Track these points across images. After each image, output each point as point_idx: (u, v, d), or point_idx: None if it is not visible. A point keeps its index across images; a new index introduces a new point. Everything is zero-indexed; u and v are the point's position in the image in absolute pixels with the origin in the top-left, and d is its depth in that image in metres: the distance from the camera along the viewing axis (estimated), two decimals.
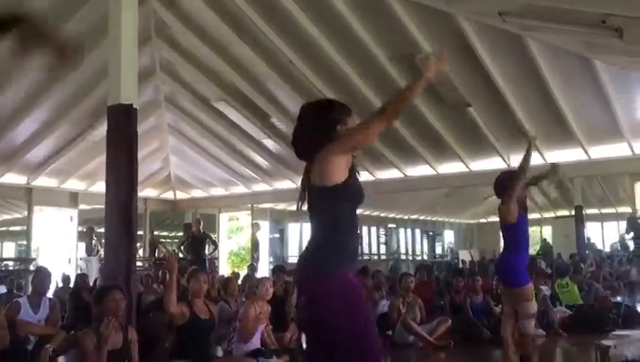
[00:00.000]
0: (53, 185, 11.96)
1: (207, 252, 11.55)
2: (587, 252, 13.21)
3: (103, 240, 7.02)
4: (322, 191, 2.39)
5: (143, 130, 8.37)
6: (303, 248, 2.46)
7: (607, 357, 2.95)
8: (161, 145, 12.42)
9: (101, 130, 7.29)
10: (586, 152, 9.86)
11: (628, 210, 11.28)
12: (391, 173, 11.85)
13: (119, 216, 5.38)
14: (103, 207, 5.62)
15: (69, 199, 12.36)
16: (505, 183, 4.56)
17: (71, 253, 12.41)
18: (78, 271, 10.85)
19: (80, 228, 12.84)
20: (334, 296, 2.22)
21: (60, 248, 12.21)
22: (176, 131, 11.93)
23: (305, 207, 2.47)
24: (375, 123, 2.40)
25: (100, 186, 8.46)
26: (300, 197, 2.52)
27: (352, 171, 2.47)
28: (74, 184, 12.29)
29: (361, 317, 2.26)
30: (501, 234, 4.71)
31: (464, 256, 19.67)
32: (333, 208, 2.41)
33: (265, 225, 16.27)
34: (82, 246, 12.86)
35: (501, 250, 4.84)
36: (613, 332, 3.88)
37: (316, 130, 2.48)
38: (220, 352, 5.92)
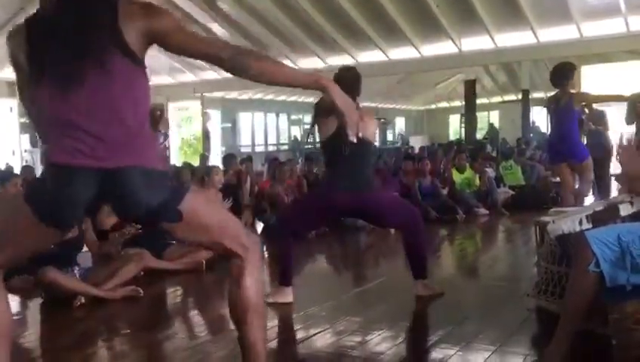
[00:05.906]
0: None
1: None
2: (531, 135, 13.61)
3: None
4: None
5: None
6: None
7: (545, 232, 3.12)
8: None
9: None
10: (535, 35, 9.88)
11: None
12: (342, 60, 11.66)
13: None
14: None
15: (7, 89, 11.79)
16: (568, 74, 5.12)
17: (14, 145, 12.05)
18: (24, 164, 10.59)
19: (22, 120, 12.37)
20: None
21: (1, 140, 11.83)
22: None
23: None
24: None
25: None
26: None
27: None
28: (11, 73, 11.63)
29: None
30: (560, 118, 5.21)
31: (415, 142, 20.01)
32: None
33: (216, 115, 16.04)
34: (26, 138, 12.47)
35: (557, 132, 5.34)
36: (552, 209, 4.08)
37: None
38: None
